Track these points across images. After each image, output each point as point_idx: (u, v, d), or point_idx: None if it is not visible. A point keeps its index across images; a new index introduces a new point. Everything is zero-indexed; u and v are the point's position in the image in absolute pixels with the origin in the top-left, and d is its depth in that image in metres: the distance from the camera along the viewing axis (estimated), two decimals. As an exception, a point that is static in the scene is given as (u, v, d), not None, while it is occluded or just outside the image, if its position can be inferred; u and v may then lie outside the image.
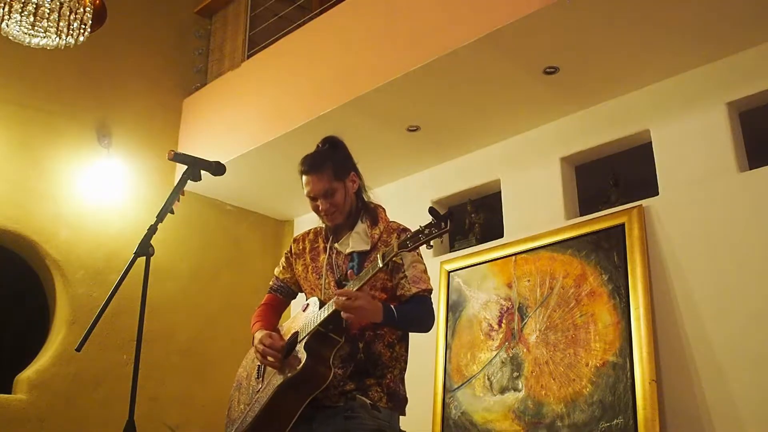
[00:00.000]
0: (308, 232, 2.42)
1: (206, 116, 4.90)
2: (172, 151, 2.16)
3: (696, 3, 2.97)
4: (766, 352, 2.92)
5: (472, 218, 4.31)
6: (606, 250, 3.47)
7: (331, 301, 2.02)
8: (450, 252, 4.36)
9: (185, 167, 2.17)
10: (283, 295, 2.44)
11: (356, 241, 2.21)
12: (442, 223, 1.82)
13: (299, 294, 2.44)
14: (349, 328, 2.08)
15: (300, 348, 2.06)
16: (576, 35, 3.23)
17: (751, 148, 3.31)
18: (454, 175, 4.42)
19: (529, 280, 3.74)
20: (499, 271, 3.91)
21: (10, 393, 4.00)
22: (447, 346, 3.99)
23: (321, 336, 2.05)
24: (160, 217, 2.07)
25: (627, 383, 3.15)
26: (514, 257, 3.86)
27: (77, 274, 4.33)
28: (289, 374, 2.03)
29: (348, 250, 2.20)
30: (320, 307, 2.08)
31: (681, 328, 3.19)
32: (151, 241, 2.01)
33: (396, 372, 2.15)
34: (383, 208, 2.33)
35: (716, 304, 3.12)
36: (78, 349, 1.98)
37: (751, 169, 3.21)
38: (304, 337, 2.07)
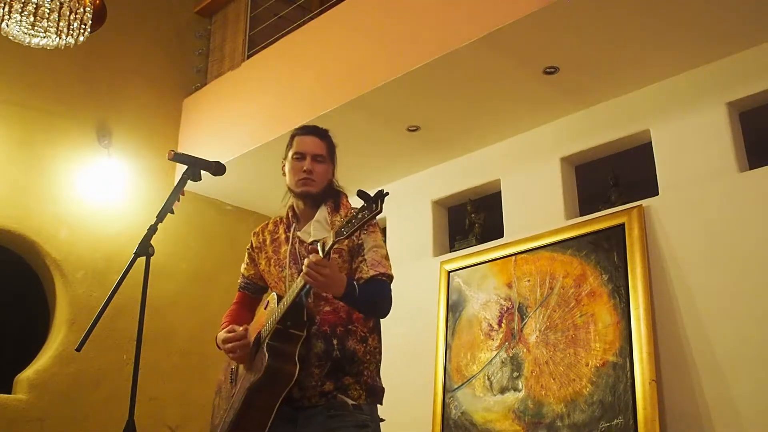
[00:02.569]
0: (267, 224, 2.37)
1: (206, 116, 4.90)
2: (172, 151, 2.16)
3: (696, 3, 2.97)
4: (766, 352, 2.92)
5: (472, 218, 4.31)
6: (606, 250, 3.47)
7: (286, 295, 2.01)
8: (450, 252, 4.36)
9: (185, 167, 2.17)
10: (251, 292, 2.41)
11: (317, 229, 2.17)
12: (374, 205, 1.76)
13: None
14: (316, 322, 2.06)
15: (263, 348, 2.03)
16: (576, 35, 3.23)
17: (751, 148, 3.31)
18: (454, 175, 4.42)
19: (529, 280, 3.74)
20: (499, 271, 3.91)
21: (10, 393, 4.00)
22: (447, 346, 3.99)
23: (281, 333, 2.01)
24: (160, 217, 2.07)
25: (627, 383, 3.15)
26: (514, 257, 3.86)
27: (77, 274, 4.33)
28: (254, 378, 2.01)
29: (310, 239, 2.16)
30: (278, 303, 2.06)
31: (681, 328, 3.19)
32: (151, 241, 2.01)
33: (372, 367, 2.12)
34: (346, 195, 2.28)
35: (716, 304, 3.12)
36: (78, 349, 1.97)
37: (751, 169, 3.21)
38: (266, 336, 2.04)
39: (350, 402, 2.03)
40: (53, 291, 4.33)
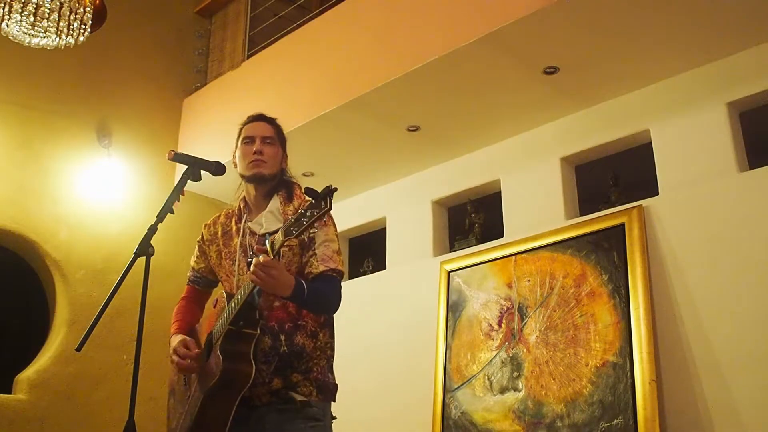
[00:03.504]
0: (219, 216, 2.35)
1: (206, 116, 4.90)
2: (172, 151, 2.16)
3: (696, 3, 2.97)
4: (766, 352, 2.92)
5: (472, 218, 4.31)
6: (606, 250, 3.47)
7: (236, 294, 1.98)
8: (450, 252, 4.36)
9: (185, 167, 2.17)
10: (201, 286, 2.40)
11: (269, 220, 2.14)
12: (322, 203, 1.72)
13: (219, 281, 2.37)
14: (265, 318, 2.03)
15: (216, 351, 1.99)
16: (576, 35, 3.23)
17: (751, 148, 3.31)
18: (454, 175, 4.42)
19: (529, 280, 3.74)
20: (499, 271, 3.91)
21: (10, 393, 4.00)
22: (447, 346, 3.99)
23: (235, 334, 1.97)
24: (160, 217, 2.07)
25: (627, 383, 3.15)
26: (514, 257, 3.86)
27: (77, 274, 4.33)
28: (210, 382, 1.96)
29: (261, 231, 2.14)
30: (228, 302, 2.03)
31: (681, 328, 3.18)
32: (151, 241, 2.01)
33: (323, 362, 2.08)
34: (299, 186, 2.25)
35: (716, 304, 3.12)
36: (78, 349, 1.97)
37: (751, 169, 3.21)
38: (218, 338, 2.01)
39: (299, 398, 2.00)
40: (53, 291, 4.33)
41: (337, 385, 2.14)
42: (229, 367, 1.94)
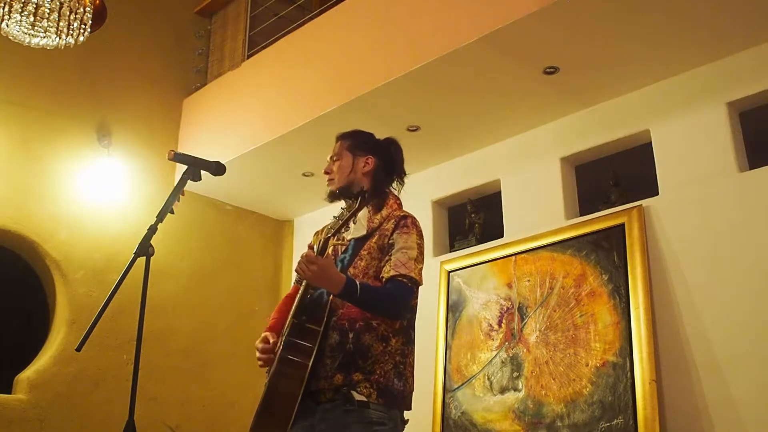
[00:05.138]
0: (328, 224, 2.43)
1: (206, 116, 4.90)
2: (172, 151, 2.16)
3: (696, 3, 2.97)
4: (766, 352, 2.92)
5: (472, 218, 4.31)
6: (606, 250, 3.47)
7: (300, 291, 2.09)
8: (450, 252, 4.36)
9: (185, 167, 2.17)
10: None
11: (356, 227, 2.23)
12: (354, 203, 1.87)
13: None
14: (337, 315, 2.09)
15: (280, 341, 2.11)
16: (576, 35, 3.23)
17: (751, 148, 3.31)
18: (454, 175, 4.42)
19: (529, 280, 3.74)
20: (499, 271, 3.91)
21: (10, 393, 4.00)
22: (447, 346, 3.99)
23: (298, 327, 2.07)
24: (160, 217, 2.07)
25: (627, 383, 3.15)
26: (514, 257, 3.86)
27: (77, 274, 4.33)
28: (271, 368, 2.08)
29: (349, 237, 2.22)
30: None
31: (681, 328, 3.19)
32: (151, 241, 2.02)
33: (389, 367, 2.09)
34: (396, 197, 2.34)
35: (716, 304, 3.12)
36: (78, 349, 1.97)
37: (751, 169, 3.21)
38: (286, 330, 2.10)
39: (358, 398, 2.03)
40: (53, 291, 4.33)
41: (405, 392, 2.13)
42: (285, 357, 2.03)
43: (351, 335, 2.08)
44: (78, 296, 4.29)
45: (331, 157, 2.37)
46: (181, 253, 4.84)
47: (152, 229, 2.04)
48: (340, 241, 2.22)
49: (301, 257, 1.98)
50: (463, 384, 3.83)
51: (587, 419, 3.24)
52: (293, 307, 2.12)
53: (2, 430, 3.82)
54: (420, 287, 2.18)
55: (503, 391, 3.62)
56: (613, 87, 3.63)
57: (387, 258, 2.13)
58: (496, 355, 3.73)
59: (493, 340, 3.78)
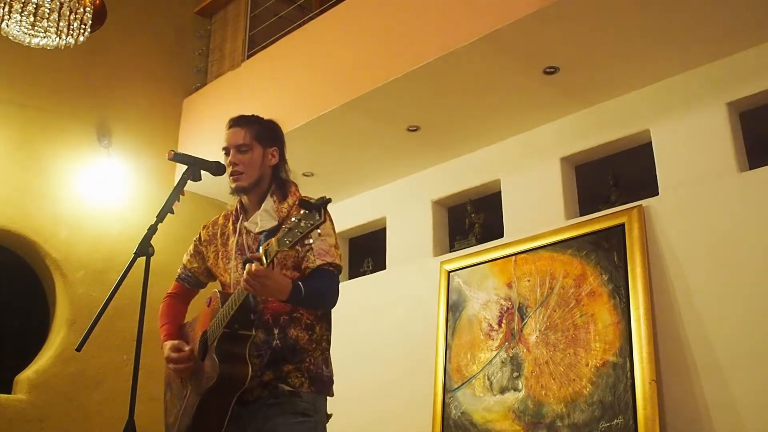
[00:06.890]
0: (217, 218, 2.35)
1: (206, 116, 4.90)
2: (172, 151, 2.16)
3: (696, 3, 2.97)
4: (766, 352, 2.92)
5: (472, 218, 4.31)
6: (606, 250, 3.47)
7: (231, 298, 1.96)
8: (450, 252, 4.36)
9: (185, 167, 2.17)
10: (190, 285, 2.40)
11: (264, 219, 2.13)
12: (317, 215, 1.69)
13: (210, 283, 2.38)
14: (260, 311, 2.02)
15: (212, 354, 1.99)
16: (576, 35, 3.23)
17: (751, 148, 3.31)
18: (454, 175, 4.42)
19: (529, 280, 3.74)
20: (499, 271, 3.91)
21: (10, 393, 4.01)
22: (447, 346, 3.99)
23: (230, 336, 1.97)
24: (160, 217, 2.07)
25: (627, 383, 3.15)
26: (514, 257, 3.86)
27: (77, 274, 4.33)
28: (207, 385, 1.97)
29: (257, 230, 2.13)
30: (223, 304, 2.02)
31: (681, 328, 3.19)
32: (151, 241, 2.02)
33: (317, 354, 2.07)
34: (296, 185, 2.25)
35: (716, 304, 3.12)
36: (78, 349, 1.98)
37: (751, 169, 3.21)
38: (213, 341, 2.00)
39: (287, 389, 1.99)
40: (53, 291, 4.33)
41: (332, 378, 2.12)
42: (225, 371, 1.93)
43: (276, 331, 2.03)
44: (78, 296, 4.29)
45: (237, 147, 2.16)
46: (181, 253, 4.80)
47: (152, 229, 2.04)
48: (249, 236, 2.14)
49: (248, 272, 1.81)
50: (463, 384, 3.83)
51: (587, 419, 3.24)
52: (219, 317, 2.00)
53: (2, 430, 3.82)
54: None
55: (503, 391, 3.62)
56: (613, 87, 3.63)
57: (308, 247, 2.01)
58: (496, 355, 3.73)
59: (493, 340, 3.78)
